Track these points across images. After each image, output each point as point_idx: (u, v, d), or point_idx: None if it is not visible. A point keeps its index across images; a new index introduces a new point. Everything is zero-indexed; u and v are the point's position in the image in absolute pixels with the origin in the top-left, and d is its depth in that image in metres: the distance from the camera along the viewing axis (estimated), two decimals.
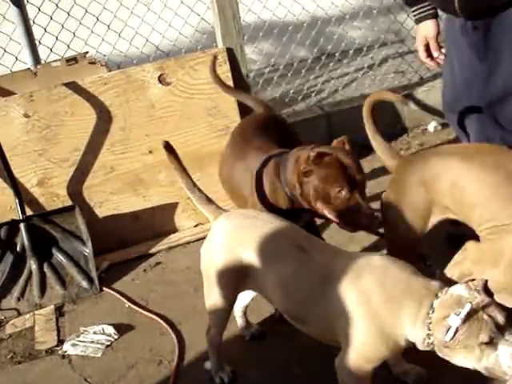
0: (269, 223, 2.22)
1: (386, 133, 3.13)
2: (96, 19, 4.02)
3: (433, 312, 1.84)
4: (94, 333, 2.79)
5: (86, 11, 3.96)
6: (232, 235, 2.24)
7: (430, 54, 2.94)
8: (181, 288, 3.03)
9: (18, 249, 3.17)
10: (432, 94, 4.28)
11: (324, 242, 2.43)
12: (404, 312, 1.89)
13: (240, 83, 3.60)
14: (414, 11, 2.92)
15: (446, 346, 1.81)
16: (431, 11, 2.87)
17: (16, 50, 3.84)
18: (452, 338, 1.78)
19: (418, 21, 2.92)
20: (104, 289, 3.11)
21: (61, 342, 2.79)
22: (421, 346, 1.90)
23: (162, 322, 2.82)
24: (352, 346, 1.97)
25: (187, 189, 2.37)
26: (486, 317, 1.78)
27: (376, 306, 1.91)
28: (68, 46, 3.88)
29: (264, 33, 4.56)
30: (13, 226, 3.17)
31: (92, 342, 2.74)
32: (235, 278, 2.23)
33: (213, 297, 2.28)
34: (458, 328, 1.76)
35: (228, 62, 3.52)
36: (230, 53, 3.55)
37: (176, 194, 3.39)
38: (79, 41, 3.99)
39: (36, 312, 3.01)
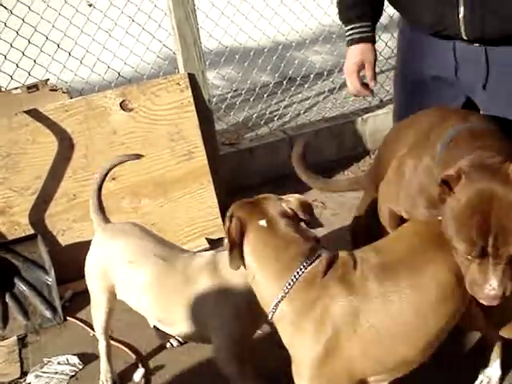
0: (136, 237, 2.43)
1: (349, 155, 3.20)
2: (57, 46, 4.01)
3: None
4: (58, 363, 2.75)
5: (47, 38, 3.94)
6: (102, 248, 2.46)
7: (363, 83, 2.57)
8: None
9: None
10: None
11: (181, 248, 2.58)
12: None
13: (202, 109, 3.61)
14: (350, 29, 2.52)
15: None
16: (372, 33, 2.52)
17: None
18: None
19: (354, 42, 2.51)
20: (68, 318, 3.07)
21: (24, 373, 2.74)
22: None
23: (127, 350, 2.79)
24: (223, 334, 2.17)
25: (92, 192, 2.62)
26: None
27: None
28: (29, 74, 3.85)
29: (226, 58, 4.59)
30: None
31: (56, 372, 2.70)
32: (106, 287, 2.43)
33: (94, 305, 2.51)
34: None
35: (190, 88, 3.53)
36: (192, 78, 3.56)
37: (140, 221, 3.37)
38: (40, 68, 3.96)
39: None
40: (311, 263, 1.83)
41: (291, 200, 1.96)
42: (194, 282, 2.22)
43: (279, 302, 1.83)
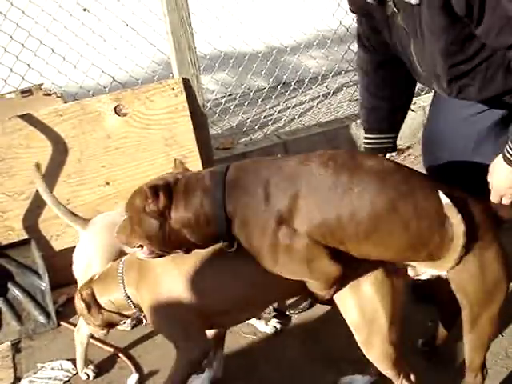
0: None
1: None
2: (51, 51, 4.00)
3: None
4: (52, 369, 2.74)
5: (41, 42, 3.94)
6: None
7: None
8: None
9: None
10: None
11: None
12: None
13: (197, 113, 3.61)
14: (368, 139, 2.62)
15: None
16: (391, 145, 2.60)
17: None
18: None
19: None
20: (61, 323, 3.06)
21: (18, 379, 2.74)
22: None
23: (121, 355, 2.78)
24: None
25: (52, 204, 2.75)
26: None
27: None
28: (23, 78, 3.85)
29: (220, 63, 4.59)
30: None
31: (50, 378, 2.69)
32: None
33: None
34: None
35: (184, 93, 3.53)
36: (186, 83, 3.56)
37: None
38: (34, 72, 3.95)
39: None
40: None
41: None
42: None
43: None
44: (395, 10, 2.10)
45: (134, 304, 2.25)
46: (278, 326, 2.86)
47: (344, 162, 1.98)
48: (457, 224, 1.92)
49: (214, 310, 2.19)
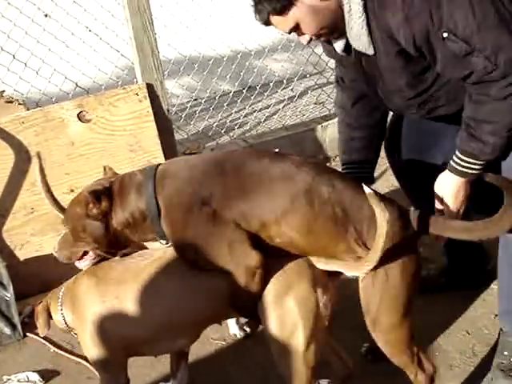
0: None
1: None
2: (13, 57, 3.95)
3: None
4: (18, 381, 2.69)
5: (2, 49, 3.88)
6: None
7: None
8: None
9: None
10: None
11: None
12: None
13: (161, 119, 3.58)
14: (345, 169, 2.62)
15: None
16: (368, 175, 2.60)
17: None
18: None
19: None
20: (27, 334, 3.01)
21: None
22: None
23: (88, 365, 2.73)
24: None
25: (48, 199, 2.68)
26: None
27: None
28: None
29: (185, 67, 4.57)
30: None
31: None
32: None
33: None
34: None
35: (148, 98, 3.50)
36: (150, 88, 3.53)
37: None
38: None
39: None
40: None
41: None
42: None
43: None
44: (357, 59, 2.26)
45: (69, 328, 2.23)
46: (249, 330, 2.85)
47: (267, 151, 2.20)
48: (380, 211, 1.90)
49: (136, 338, 2.15)
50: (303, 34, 2.16)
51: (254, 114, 4.80)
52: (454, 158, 2.15)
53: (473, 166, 2.13)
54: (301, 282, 2.04)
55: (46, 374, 2.73)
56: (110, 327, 2.12)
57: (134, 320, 2.12)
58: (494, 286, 2.88)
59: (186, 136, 4.50)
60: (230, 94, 4.72)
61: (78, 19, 4.26)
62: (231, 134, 4.54)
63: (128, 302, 2.11)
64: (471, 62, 1.98)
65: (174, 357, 2.43)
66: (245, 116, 4.73)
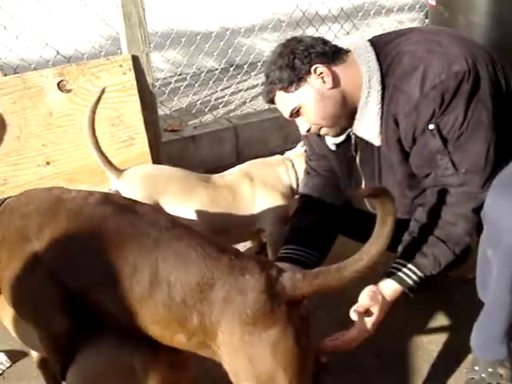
0: (170, 170, 2.81)
1: (294, 148, 3.13)
2: None
3: None
4: None
5: None
6: (142, 186, 2.62)
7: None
8: None
9: None
10: None
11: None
12: None
13: (145, 93, 3.45)
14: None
15: None
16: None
17: None
18: None
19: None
20: None
21: None
22: None
23: None
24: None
25: (91, 144, 2.68)
26: None
27: None
28: None
29: (171, 41, 4.43)
30: None
31: None
32: None
33: None
34: None
35: (133, 70, 3.36)
36: (135, 60, 3.39)
37: None
38: None
39: None
40: None
41: None
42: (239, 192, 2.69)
43: None
44: (353, 153, 2.22)
45: None
46: None
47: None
48: None
49: None
50: (303, 122, 2.11)
51: (240, 93, 4.67)
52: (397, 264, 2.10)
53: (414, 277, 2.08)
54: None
55: (13, 355, 2.60)
56: None
57: None
58: None
59: (168, 112, 4.37)
60: (216, 72, 4.59)
61: None
62: (215, 112, 4.41)
63: None
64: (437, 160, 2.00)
65: None
66: (230, 95, 4.61)
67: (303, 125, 2.12)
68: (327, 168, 2.46)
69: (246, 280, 1.63)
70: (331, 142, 2.25)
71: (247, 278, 1.64)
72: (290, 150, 3.00)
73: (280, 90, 2.06)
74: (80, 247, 1.73)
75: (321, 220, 2.41)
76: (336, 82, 2.04)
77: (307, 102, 2.04)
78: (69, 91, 3.26)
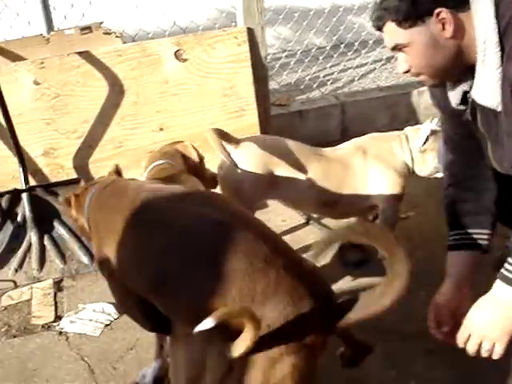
0: (283, 141, 2.79)
1: (401, 127, 3.08)
2: None
3: None
4: (94, 311, 2.71)
5: None
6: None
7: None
8: None
9: (18, 219, 3.08)
10: None
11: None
12: None
13: (258, 66, 3.49)
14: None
15: None
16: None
17: (29, 14, 3.72)
18: None
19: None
20: None
21: (58, 317, 2.70)
22: None
23: None
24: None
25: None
26: None
27: None
28: (83, 15, 3.76)
29: (284, 17, 4.44)
30: (15, 195, 3.09)
31: (91, 320, 2.65)
32: (265, 189, 2.65)
33: None
34: None
35: (247, 43, 3.41)
36: (250, 33, 3.44)
37: None
38: (94, 10, 3.85)
39: (34, 285, 2.91)
40: None
41: None
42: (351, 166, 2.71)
43: None
44: (472, 116, 1.93)
45: None
46: None
47: None
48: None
49: None
50: (404, 61, 1.85)
51: (349, 71, 4.64)
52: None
53: None
54: None
55: None
56: None
57: None
58: None
59: (277, 87, 4.40)
60: (327, 49, 4.57)
61: None
62: (323, 89, 4.41)
63: None
64: None
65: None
66: (339, 72, 4.59)
67: (402, 64, 1.87)
68: (460, 131, 2.13)
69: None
70: (453, 96, 1.96)
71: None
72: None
73: (392, 21, 1.78)
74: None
75: (477, 193, 2.13)
76: (457, 34, 1.75)
77: (417, 44, 1.78)
78: (185, 60, 3.35)
